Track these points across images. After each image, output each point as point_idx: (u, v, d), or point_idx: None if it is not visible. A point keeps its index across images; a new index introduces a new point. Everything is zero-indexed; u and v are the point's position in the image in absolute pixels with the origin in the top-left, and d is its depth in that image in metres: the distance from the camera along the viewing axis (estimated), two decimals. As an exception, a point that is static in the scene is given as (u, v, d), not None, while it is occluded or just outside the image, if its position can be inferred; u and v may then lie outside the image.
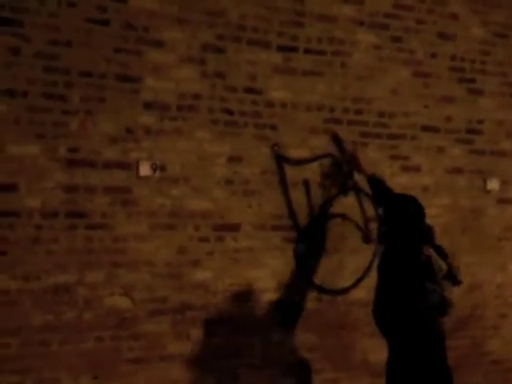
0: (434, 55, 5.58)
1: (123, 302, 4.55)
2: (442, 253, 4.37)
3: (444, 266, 4.30)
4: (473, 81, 5.76)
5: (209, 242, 4.81)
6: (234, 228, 4.90)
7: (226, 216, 4.87)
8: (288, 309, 5.08)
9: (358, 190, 5.29)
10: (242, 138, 4.92)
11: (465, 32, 5.71)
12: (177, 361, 4.70)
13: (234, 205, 4.89)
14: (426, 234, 4.40)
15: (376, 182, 4.98)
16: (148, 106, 4.63)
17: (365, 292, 5.26)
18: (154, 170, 4.64)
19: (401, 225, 4.37)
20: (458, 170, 5.71)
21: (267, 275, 4.99)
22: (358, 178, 5.22)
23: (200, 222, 4.78)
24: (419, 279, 4.21)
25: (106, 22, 4.52)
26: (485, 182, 5.83)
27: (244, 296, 4.91)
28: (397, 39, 5.43)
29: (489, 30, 5.83)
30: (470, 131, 5.77)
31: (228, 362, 4.85)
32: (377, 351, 5.27)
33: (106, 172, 4.52)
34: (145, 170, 4.62)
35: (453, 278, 4.36)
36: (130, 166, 4.59)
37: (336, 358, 5.23)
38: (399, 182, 5.41)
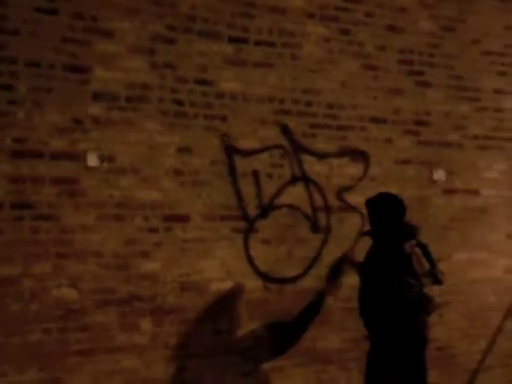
0: (382, 48, 5.64)
1: (70, 294, 4.55)
2: (426, 252, 4.59)
3: (427, 264, 4.48)
4: (421, 73, 5.84)
5: (158, 233, 4.82)
6: (183, 218, 4.91)
7: (176, 207, 4.88)
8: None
9: (306, 180, 5.33)
10: (191, 129, 4.92)
11: (413, 25, 5.78)
12: (125, 352, 4.71)
13: (183, 195, 4.90)
14: (408, 232, 4.63)
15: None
16: (97, 96, 4.61)
17: (313, 281, 5.35)
18: (102, 161, 4.63)
19: (381, 221, 4.67)
20: (405, 161, 5.79)
21: (216, 265, 5.02)
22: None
23: (149, 213, 4.79)
24: (399, 273, 4.46)
25: (54, 12, 4.48)
26: (431, 172, 5.92)
27: (193, 286, 4.93)
28: (346, 32, 5.48)
29: (437, 23, 5.91)
30: (418, 123, 5.85)
31: (176, 353, 4.88)
32: (324, 339, 5.40)
33: (54, 163, 4.50)
34: (93, 160, 4.60)
35: (434, 276, 4.52)
36: (77, 157, 4.57)
37: (283, 348, 5.28)
38: (348, 173, 5.49)
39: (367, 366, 4.74)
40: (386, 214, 4.70)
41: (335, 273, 5.37)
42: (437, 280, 4.67)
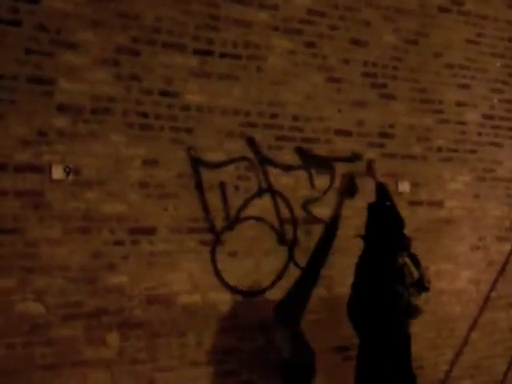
0: (346, 61, 5.78)
1: (36, 308, 4.55)
2: (416, 262, 4.88)
3: (416, 274, 4.71)
4: (384, 86, 5.99)
5: (124, 246, 4.86)
6: (150, 231, 4.95)
7: (142, 219, 4.92)
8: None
9: (273, 192, 5.43)
10: (157, 142, 4.98)
11: (377, 38, 5.93)
12: (92, 366, 4.72)
13: (149, 208, 4.95)
14: (403, 243, 4.88)
15: (384, 190, 5.16)
16: (61, 108, 4.65)
17: (280, 293, 5.41)
18: (68, 174, 4.65)
19: (381, 231, 4.88)
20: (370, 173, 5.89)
21: (183, 278, 5.07)
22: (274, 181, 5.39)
23: (115, 226, 4.82)
24: (391, 282, 4.68)
25: (17, 23, 4.51)
26: (396, 184, 6.05)
27: (160, 299, 4.97)
28: (310, 45, 5.60)
29: (400, 36, 6.07)
30: (382, 135, 5.99)
31: (144, 367, 4.91)
32: (291, 352, 5.43)
33: (18, 175, 4.52)
34: (58, 173, 4.63)
35: (421, 285, 4.83)
36: (42, 170, 4.59)
37: (251, 360, 5.35)
38: (314, 185, 5.59)
39: (356, 367, 4.93)
40: (391, 225, 4.92)
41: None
42: (423, 287, 4.90)
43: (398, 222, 4.98)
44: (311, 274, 5.14)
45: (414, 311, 4.83)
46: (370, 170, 5.32)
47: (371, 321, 4.79)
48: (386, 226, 4.93)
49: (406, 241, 4.99)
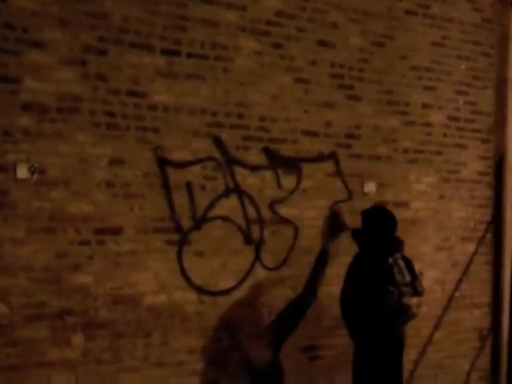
0: (313, 62, 5.85)
1: (-1, 308, 4.56)
2: (409, 265, 5.09)
3: (408, 277, 4.83)
4: (351, 87, 6.07)
5: (89, 246, 4.89)
6: (116, 231, 4.99)
7: (108, 219, 4.96)
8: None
9: (239, 193, 5.49)
10: (124, 141, 5.02)
11: (344, 40, 6.01)
12: (57, 367, 4.76)
13: (115, 208, 4.99)
14: (395, 245, 5.08)
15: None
16: (27, 107, 4.67)
17: (247, 293, 5.50)
18: (33, 173, 4.67)
19: (369, 231, 5.09)
20: (337, 174, 6.00)
21: (149, 278, 5.12)
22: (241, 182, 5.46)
23: (81, 226, 4.85)
24: (380, 281, 4.85)
25: (-17, 21, 4.51)
26: (362, 185, 6.16)
27: (125, 299, 5.00)
28: (278, 46, 5.66)
29: (367, 38, 6.16)
30: (349, 136, 6.08)
31: (109, 367, 4.94)
32: (258, 351, 5.52)
33: (-18, 175, 4.52)
34: (22, 172, 4.65)
35: (414, 288, 5.00)
36: (6, 169, 4.61)
37: (217, 360, 5.41)
38: (282, 185, 5.67)
39: (353, 366, 5.15)
40: (379, 226, 5.11)
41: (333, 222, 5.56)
42: (416, 291, 5.04)
43: (389, 222, 5.15)
44: (302, 305, 5.46)
45: (405, 310, 4.95)
46: (336, 215, 5.58)
47: (363, 320, 4.96)
48: (376, 228, 5.11)
49: (397, 242, 5.17)
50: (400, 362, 5.18)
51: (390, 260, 5.00)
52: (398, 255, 5.08)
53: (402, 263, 5.05)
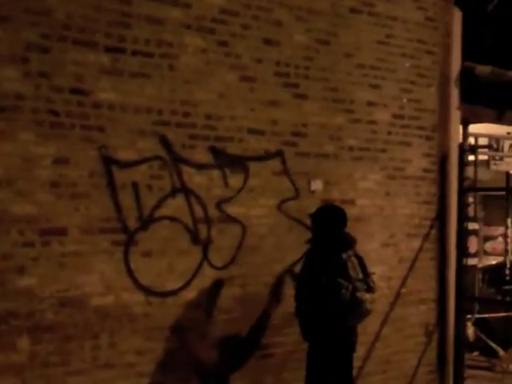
0: (259, 60, 5.92)
1: None
2: (361, 263, 5.23)
3: (361, 274, 5.08)
4: (297, 86, 6.16)
5: (34, 247, 4.85)
6: (61, 232, 4.96)
7: (53, 220, 4.93)
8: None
9: (186, 192, 5.52)
10: (68, 140, 4.99)
11: (289, 38, 6.10)
12: (2, 372, 4.70)
13: (60, 208, 4.96)
14: (347, 242, 5.25)
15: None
16: (-33, 106, 4.60)
17: (195, 293, 5.53)
18: (-26, 173, 4.62)
19: (320, 229, 5.28)
20: (283, 172, 6.07)
21: (96, 280, 5.10)
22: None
23: (24, 227, 4.81)
24: (333, 276, 5.00)
25: None
26: (309, 182, 6.25)
27: (72, 302, 4.98)
28: (223, 44, 5.71)
29: (312, 36, 6.26)
30: (295, 134, 6.17)
31: (56, 370, 4.91)
32: (207, 351, 5.56)
33: None
34: (-37, 172, 4.59)
35: (367, 284, 5.13)
36: None
37: (164, 361, 5.43)
38: (229, 184, 5.72)
39: (306, 365, 5.31)
40: (329, 223, 5.31)
41: (278, 288, 5.79)
42: (369, 288, 5.17)
43: (338, 218, 5.35)
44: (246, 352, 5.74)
45: (359, 305, 5.05)
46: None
47: (317, 316, 5.09)
48: (328, 225, 5.30)
49: (349, 239, 5.34)
50: (351, 359, 5.32)
51: (344, 256, 5.12)
52: (350, 252, 5.20)
53: (355, 260, 5.17)
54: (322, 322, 5.07)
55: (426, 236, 7.14)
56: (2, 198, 4.73)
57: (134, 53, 5.27)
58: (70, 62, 4.98)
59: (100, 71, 5.12)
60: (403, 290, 6.88)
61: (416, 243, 7.06)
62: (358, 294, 5.03)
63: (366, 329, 6.54)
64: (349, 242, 5.29)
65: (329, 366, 5.17)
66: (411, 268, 6.99)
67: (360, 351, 6.49)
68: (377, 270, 6.61)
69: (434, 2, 7.14)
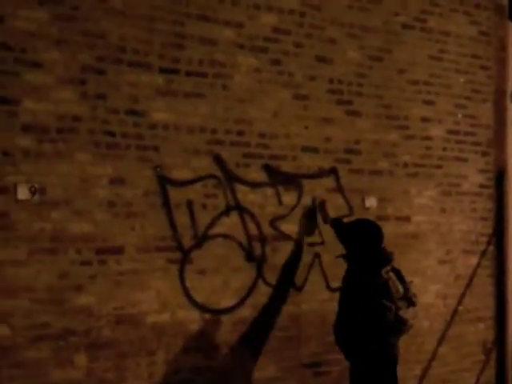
0: (312, 78, 5.88)
1: (2, 330, 4.54)
2: (400, 277, 5.05)
3: (401, 289, 4.84)
4: (350, 103, 6.11)
5: (91, 266, 4.88)
6: (117, 251, 4.99)
7: (109, 239, 4.96)
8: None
9: (240, 210, 5.50)
10: (124, 160, 5.02)
11: (342, 55, 6.06)
12: (60, 388, 4.74)
13: (116, 227, 4.99)
14: (384, 258, 5.04)
15: (337, 223, 5.62)
16: (26, 128, 4.67)
17: (249, 310, 5.50)
18: (33, 194, 4.67)
19: (361, 247, 5.07)
20: (337, 189, 6.01)
21: (151, 297, 5.11)
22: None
23: (82, 246, 4.85)
24: (376, 297, 4.83)
25: (-19, 43, 4.53)
26: (363, 200, 6.17)
27: (128, 319, 5.00)
28: (276, 62, 5.69)
29: (364, 53, 6.20)
30: (349, 151, 6.11)
31: (113, 387, 4.94)
32: (262, 369, 5.52)
33: (-17, 196, 4.53)
34: (23, 193, 4.64)
35: (408, 300, 4.99)
36: (7, 190, 4.59)
37: (221, 379, 5.40)
38: (282, 202, 5.68)
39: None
40: (366, 240, 5.08)
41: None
42: (411, 302, 5.03)
43: (375, 234, 5.13)
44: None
45: (403, 325, 4.95)
46: (322, 208, 5.78)
47: (361, 339, 4.92)
48: (364, 242, 5.07)
49: (388, 255, 5.13)
50: (395, 375, 5.11)
51: (383, 274, 4.97)
52: (388, 267, 5.04)
53: (392, 275, 5.02)
54: (365, 343, 4.92)
55: (483, 252, 6.98)
56: (61, 218, 4.78)
57: (188, 73, 5.29)
58: (124, 84, 5.02)
59: (154, 92, 5.15)
60: (460, 308, 6.72)
61: (473, 260, 6.91)
62: (401, 313, 4.90)
63: (422, 347, 6.45)
64: (386, 258, 5.09)
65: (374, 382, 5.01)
66: (468, 285, 6.83)
67: (416, 370, 6.41)
68: (433, 288, 6.57)
69: (487, 16, 7.01)
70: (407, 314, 4.94)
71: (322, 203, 5.85)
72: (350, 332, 4.98)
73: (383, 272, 4.97)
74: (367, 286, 4.91)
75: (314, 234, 5.88)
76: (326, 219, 5.82)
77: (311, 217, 5.86)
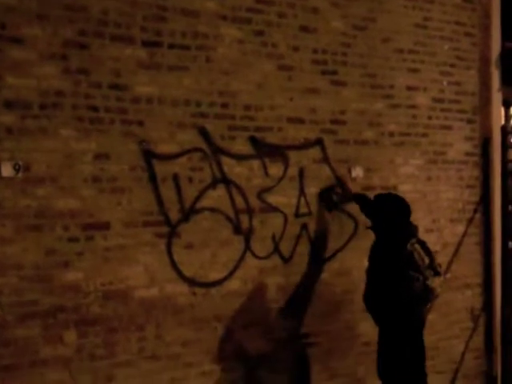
0: (296, 48, 5.85)
1: (-10, 308, 4.56)
2: (425, 248, 5.17)
3: (427, 259, 5.07)
4: (335, 73, 6.09)
5: (78, 242, 4.88)
6: (104, 226, 4.99)
7: (95, 214, 4.95)
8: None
9: (227, 183, 5.50)
10: (108, 135, 5.00)
11: (325, 25, 6.02)
12: (50, 365, 4.76)
13: (102, 203, 4.98)
14: (410, 230, 5.23)
15: (360, 197, 5.79)
16: (9, 104, 4.64)
17: (239, 283, 5.52)
18: (17, 171, 4.65)
19: (384, 220, 5.27)
20: (323, 160, 6.01)
21: (140, 272, 5.12)
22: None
23: (68, 222, 4.84)
24: (403, 268, 5.02)
25: (-40, 19, 4.48)
26: (349, 170, 6.18)
27: (117, 294, 5.01)
28: (260, 33, 5.65)
29: (348, 22, 6.17)
30: (334, 121, 6.09)
31: (103, 362, 4.96)
32: (252, 342, 5.56)
33: (-34, 175, 4.50)
34: (7, 170, 4.63)
35: (434, 269, 5.09)
36: (-9, 168, 4.57)
37: (212, 351, 5.44)
38: (269, 174, 5.69)
39: (378, 350, 5.37)
40: (396, 214, 5.26)
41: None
42: (436, 272, 5.11)
43: (403, 209, 5.29)
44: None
45: (431, 293, 5.06)
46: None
47: (390, 308, 5.12)
48: (391, 215, 5.25)
49: (412, 227, 5.30)
50: (422, 339, 5.29)
51: (409, 246, 5.09)
52: (413, 240, 5.15)
53: (418, 247, 5.12)
54: (394, 311, 5.10)
55: (470, 220, 7.02)
56: (46, 194, 4.77)
57: (171, 46, 5.25)
58: (107, 58, 4.99)
59: (137, 65, 5.11)
60: (448, 275, 6.76)
61: (460, 228, 6.95)
62: (429, 282, 5.01)
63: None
64: (412, 231, 5.26)
65: (402, 348, 5.18)
66: (455, 253, 6.87)
67: (405, 338, 6.45)
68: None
69: (471, -18, 6.99)
70: (434, 282, 5.04)
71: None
72: (380, 302, 5.18)
73: (409, 245, 5.09)
74: (394, 257, 5.09)
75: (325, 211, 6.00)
76: (346, 195, 5.96)
77: (327, 196, 5.98)
